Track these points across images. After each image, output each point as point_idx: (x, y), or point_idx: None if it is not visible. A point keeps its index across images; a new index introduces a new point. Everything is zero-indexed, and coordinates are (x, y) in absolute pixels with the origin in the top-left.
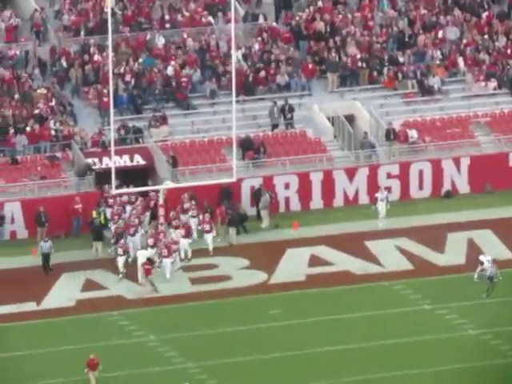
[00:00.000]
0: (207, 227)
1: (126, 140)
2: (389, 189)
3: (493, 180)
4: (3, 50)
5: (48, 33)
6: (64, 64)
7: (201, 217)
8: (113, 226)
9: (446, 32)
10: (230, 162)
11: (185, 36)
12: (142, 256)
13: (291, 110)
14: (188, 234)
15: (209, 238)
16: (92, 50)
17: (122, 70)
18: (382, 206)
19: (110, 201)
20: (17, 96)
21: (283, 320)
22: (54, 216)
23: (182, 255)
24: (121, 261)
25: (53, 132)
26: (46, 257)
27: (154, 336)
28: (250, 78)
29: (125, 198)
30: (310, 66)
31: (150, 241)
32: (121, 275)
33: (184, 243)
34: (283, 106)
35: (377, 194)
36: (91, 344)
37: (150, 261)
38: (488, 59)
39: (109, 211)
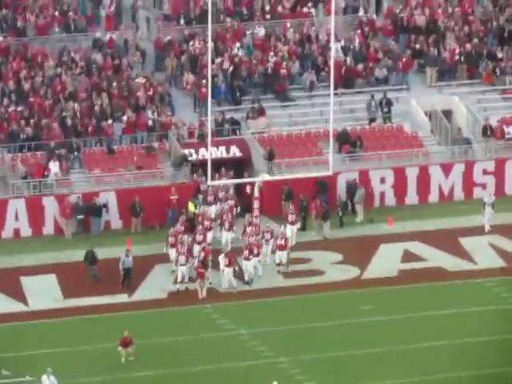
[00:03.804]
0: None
1: (222, 131)
2: (484, 185)
3: None
4: (102, 37)
5: (148, 21)
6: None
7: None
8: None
9: None
10: (327, 155)
11: (286, 27)
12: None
13: (389, 103)
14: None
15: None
16: (191, 39)
17: (220, 61)
18: (488, 210)
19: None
20: (115, 85)
21: (375, 315)
22: (149, 206)
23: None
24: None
25: (150, 122)
26: (127, 272)
27: (245, 330)
28: (349, 71)
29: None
30: (409, 60)
31: (249, 229)
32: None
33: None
34: (381, 100)
35: (485, 199)
36: (181, 337)
37: (203, 264)
38: None
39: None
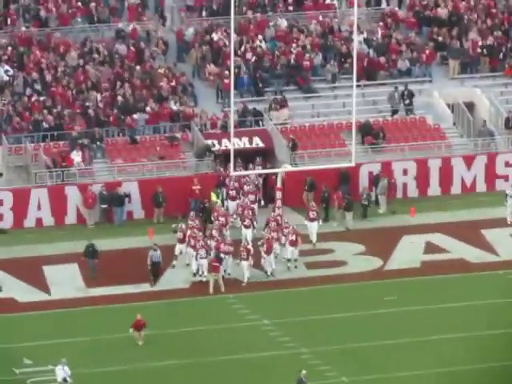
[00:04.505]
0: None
1: (245, 122)
2: (506, 178)
3: None
4: (125, 28)
5: (172, 12)
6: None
7: None
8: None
9: None
10: (349, 147)
11: (308, 19)
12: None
13: (411, 95)
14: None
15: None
16: (214, 30)
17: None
18: (511, 202)
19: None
20: (137, 75)
21: (398, 306)
22: (172, 197)
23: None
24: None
25: (175, 108)
26: (156, 266)
27: (268, 320)
28: (372, 63)
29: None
30: (432, 52)
31: (273, 224)
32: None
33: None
34: (403, 92)
35: (507, 191)
36: (204, 327)
37: (218, 258)
38: None
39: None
